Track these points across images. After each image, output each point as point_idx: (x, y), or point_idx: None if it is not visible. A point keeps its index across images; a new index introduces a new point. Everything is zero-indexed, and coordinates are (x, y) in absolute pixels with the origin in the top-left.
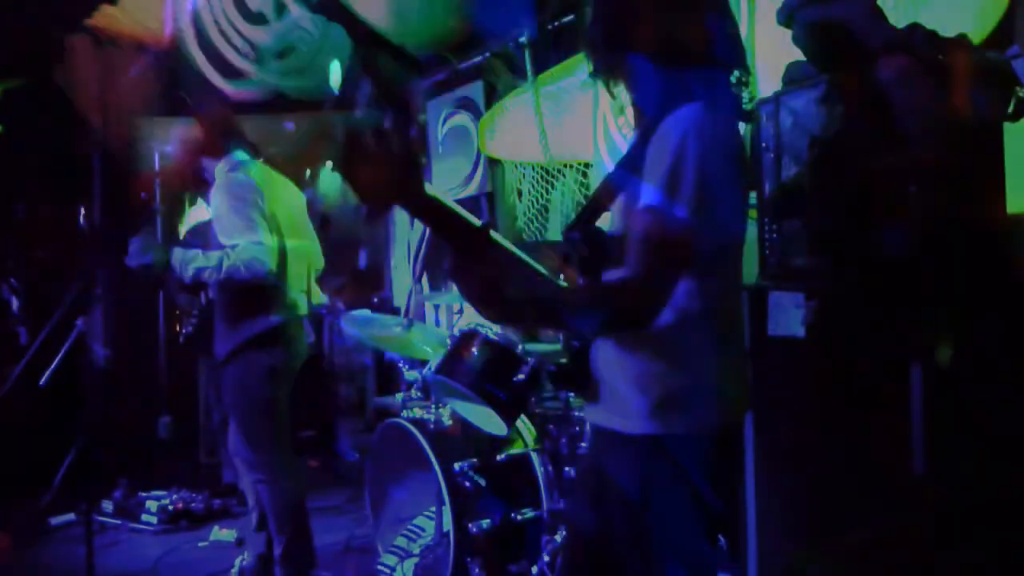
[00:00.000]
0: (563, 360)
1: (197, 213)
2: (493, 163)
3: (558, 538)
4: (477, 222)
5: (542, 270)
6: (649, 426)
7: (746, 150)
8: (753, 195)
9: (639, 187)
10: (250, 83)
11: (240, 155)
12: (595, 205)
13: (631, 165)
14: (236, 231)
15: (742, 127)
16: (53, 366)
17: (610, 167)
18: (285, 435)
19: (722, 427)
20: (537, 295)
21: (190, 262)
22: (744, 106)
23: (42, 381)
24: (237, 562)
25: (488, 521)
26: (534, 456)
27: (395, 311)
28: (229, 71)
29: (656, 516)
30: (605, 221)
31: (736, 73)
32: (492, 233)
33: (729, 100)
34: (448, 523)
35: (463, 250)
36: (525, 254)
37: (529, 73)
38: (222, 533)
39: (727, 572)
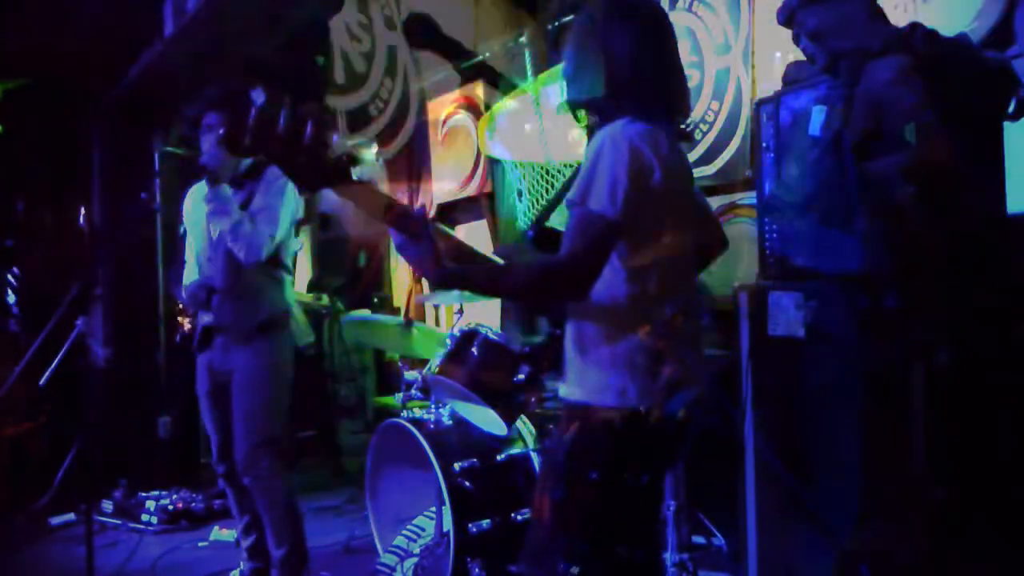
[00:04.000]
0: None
1: None
2: (493, 163)
3: None
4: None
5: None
6: (584, 395)
7: (660, 162)
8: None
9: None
10: None
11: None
12: (554, 205)
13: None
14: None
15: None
16: (53, 366)
17: None
18: (286, 431)
19: (648, 408)
20: (478, 267)
21: (230, 203)
22: (684, 128)
23: (42, 381)
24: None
25: (488, 521)
26: (534, 456)
27: (395, 311)
28: None
29: (571, 480)
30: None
31: (679, 120)
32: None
33: (661, 121)
34: (448, 523)
35: (402, 229)
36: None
37: (529, 73)
38: (222, 533)
39: (727, 572)
